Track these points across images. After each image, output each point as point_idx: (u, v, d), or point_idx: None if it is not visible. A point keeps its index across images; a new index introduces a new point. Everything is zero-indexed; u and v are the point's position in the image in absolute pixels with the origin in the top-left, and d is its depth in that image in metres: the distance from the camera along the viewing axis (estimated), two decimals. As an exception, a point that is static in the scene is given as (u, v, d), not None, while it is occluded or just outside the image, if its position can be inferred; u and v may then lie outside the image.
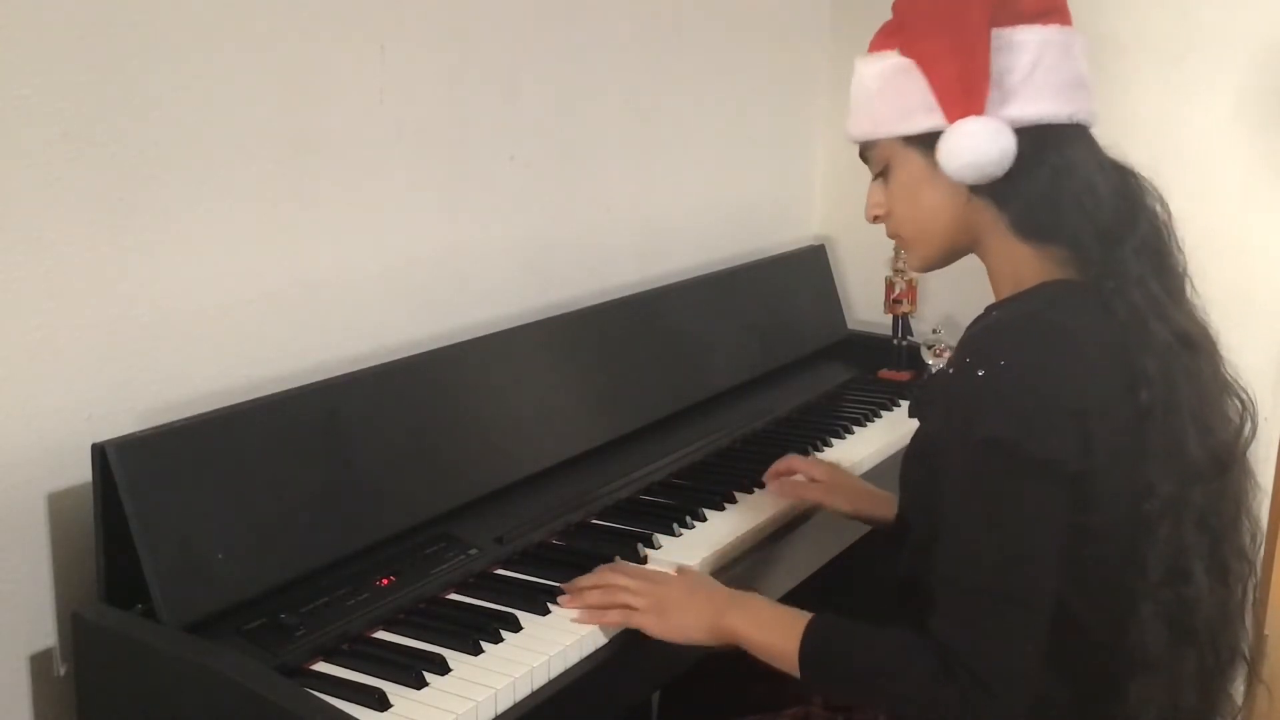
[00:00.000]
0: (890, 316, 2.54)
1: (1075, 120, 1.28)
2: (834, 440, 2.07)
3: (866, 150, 1.38)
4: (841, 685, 1.33)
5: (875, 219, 1.40)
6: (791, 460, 1.79)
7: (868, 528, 1.75)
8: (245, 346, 1.54)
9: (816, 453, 2.00)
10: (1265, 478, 2.18)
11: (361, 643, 1.34)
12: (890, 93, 1.31)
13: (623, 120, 2.15)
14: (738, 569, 1.61)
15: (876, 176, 1.38)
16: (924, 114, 1.28)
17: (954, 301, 2.53)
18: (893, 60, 1.31)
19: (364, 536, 1.47)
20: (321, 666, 1.30)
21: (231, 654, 1.24)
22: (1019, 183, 1.27)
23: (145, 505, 1.28)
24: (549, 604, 1.42)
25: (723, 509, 1.74)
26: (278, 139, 1.54)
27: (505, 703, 1.26)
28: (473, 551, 1.53)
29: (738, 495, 1.77)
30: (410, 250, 1.76)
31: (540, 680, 1.30)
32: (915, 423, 1.41)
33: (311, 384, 1.51)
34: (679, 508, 1.72)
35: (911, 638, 1.21)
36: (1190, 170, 2.17)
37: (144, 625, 1.28)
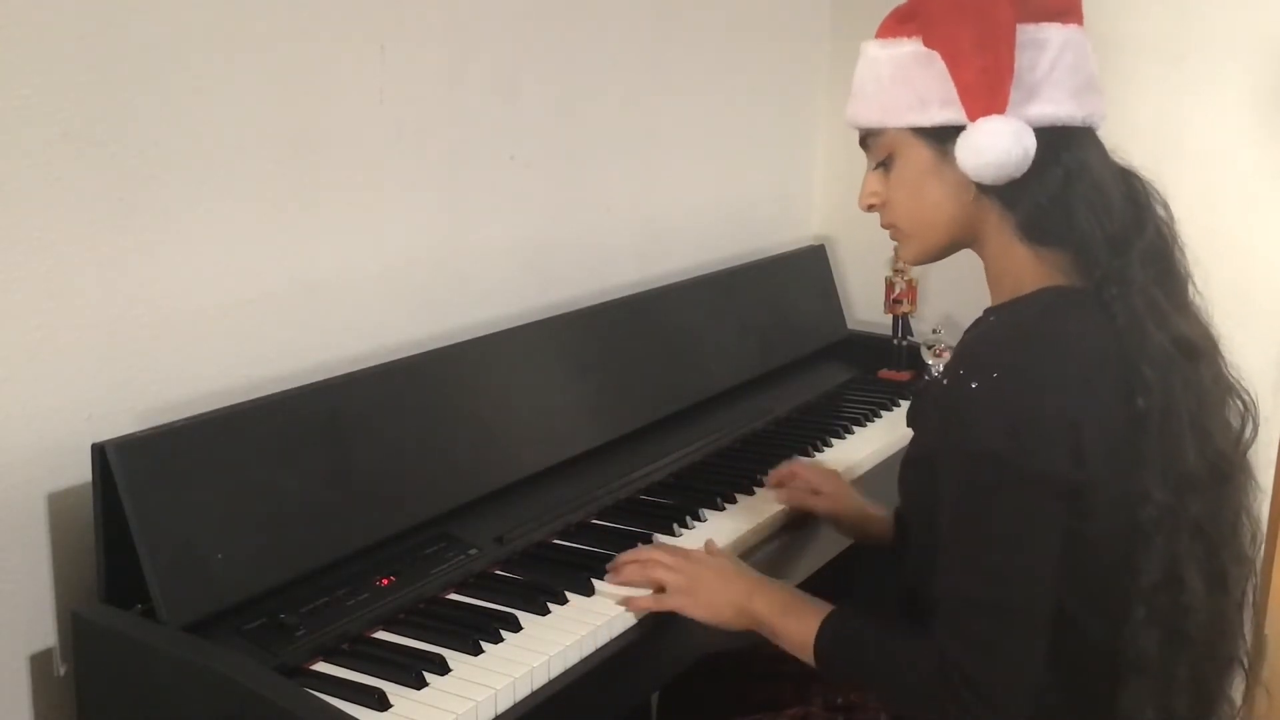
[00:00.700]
0: (890, 316, 2.54)
1: (1088, 123, 1.27)
2: (834, 440, 2.07)
3: (869, 138, 1.35)
4: (853, 680, 1.38)
5: (870, 208, 1.37)
6: (796, 466, 1.79)
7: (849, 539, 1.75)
8: (245, 346, 1.54)
9: (817, 453, 2.00)
10: (1265, 479, 2.18)
11: (361, 643, 1.34)
12: (905, 82, 1.28)
13: (623, 120, 2.15)
14: (738, 569, 1.61)
15: (877, 166, 1.35)
16: (939, 107, 1.26)
17: (954, 301, 2.53)
18: (911, 48, 1.28)
19: (364, 536, 1.47)
20: (321, 666, 1.30)
21: (231, 654, 1.24)
22: (1030, 184, 1.25)
23: (145, 505, 1.28)
24: (549, 604, 1.42)
25: (723, 509, 1.74)
26: (278, 139, 1.54)
27: (505, 703, 1.26)
28: (473, 551, 1.53)
29: (738, 495, 1.77)
30: (410, 250, 1.76)
31: (540, 680, 1.30)
32: (915, 424, 1.41)
33: (311, 384, 1.51)
34: (679, 508, 1.72)
35: (918, 644, 1.22)
36: (1191, 170, 2.17)
37: (144, 625, 1.28)
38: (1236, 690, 1.33)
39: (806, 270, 2.57)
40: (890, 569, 1.49)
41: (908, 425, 1.43)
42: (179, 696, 1.23)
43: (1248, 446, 1.29)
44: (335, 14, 1.59)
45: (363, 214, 1.68)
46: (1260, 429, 1.30)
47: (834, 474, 1.78)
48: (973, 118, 1.23)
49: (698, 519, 1.70)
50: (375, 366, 1.60)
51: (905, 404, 2.26)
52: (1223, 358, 1.29)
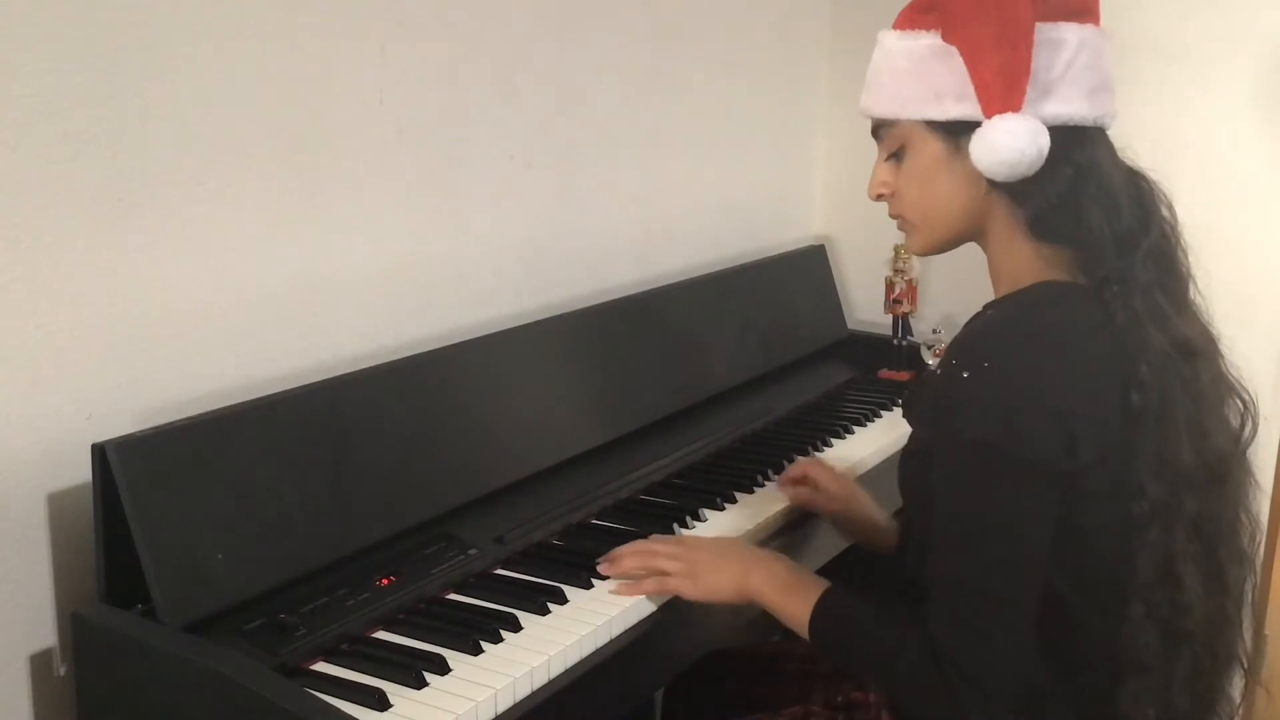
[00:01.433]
0: (890, 316, 2.54)
1: (1100, 123, 1.27)
2: (834, 440, 2.07)
3: (881, 128, 1.36)
4: (844, 662, 1.38)
5: (879, 197, 1.38)
6: (808, 466, 1.77)
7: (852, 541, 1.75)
8: (245, 346, 1.54)
9: (816, 453, 2.00)
10: (1265, 478, 2.18)
11: (361, 643, 1.34)
12: (921, 74, 1.28)
13: (623, 120, 2.15)
14: (738, 569, 1.61)
15: (889, 157, 1.36)
16: (955, 101, 1.26)
17: (954, 301, 2.53)
18: (929, 41, 1.28)
19: (364, 536, 1.47)
20: (321, 666, 1.29)
21: (231, 654, 1.24)
22: (1042, 182, 1.25)
23: (145, 505, 1.28)
24: (549, 604, 1.42)
25: (723, 509, 1.74)
26: (278, 139, 1.54)
27: (505, 703, 1.26)
28: (473, 551, 1.53)
29: (738, 495, 1.77)
30: (410, 250, 1.76)
31: (540, 680, 1.30)
32: (914, 423, 1.41)
33: (311, 384, 1.51)
34: (679, 508, 1.72)
35: (910, 629, 1.22)
36: (1190, 169, 2.16)
37: (144, 625, 1.28)
38: (1236, 689, 1.33)
39: (806, 270, 2.57)
40: (890, 568, 1.49)
41: (904, 417, 1.44)
42: (179, 696, 1.23)
43: (1247, 445, 1.29)
44: (335, 14, 1.59)
45: (363, 214, 1.68)
46: (1260, 429, 1.30)
47: (845, 477, 1.78)
48: (989, 114, 1.23)
49: (698, 519, 1.70)
50: (375, 366, 1.60)
51: (905, 404, 2.26)
52: (1223, 357, 1.30)
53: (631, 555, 1.47)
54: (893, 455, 2.04)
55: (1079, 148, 1.26)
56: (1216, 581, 1.24)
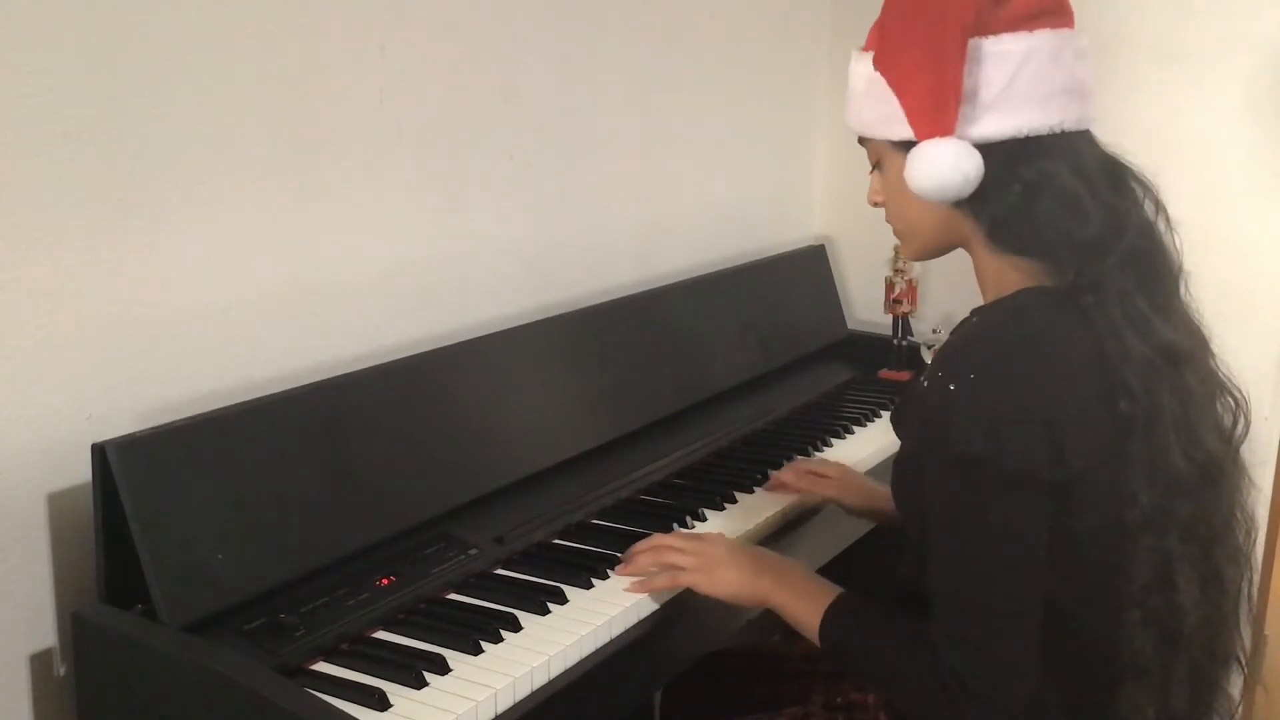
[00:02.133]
0: (890, 316, 2.54)
1: (1062, 129, 1.24)
2: (834, 440, 2.07)
3: (862, 142, 1.37)
4: (852, 669, 1.39)
5: (875, 204, 1.39)
6: (798, 466, 1.79)
7: (868, 528, 1.75)
8: (245, 346, 1.54)
9: (816, 453, 2.01)
10: (1265, 479, 2.18)
11: (361, 643, 1.34)
12: (875, 97, 1.29)
13: (622, 120, 2.15)
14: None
15: (872, 169, 1.37)
16: (901, 124, 1.26)
17: (954, 301, 2.52)
18: (871, 66, 1.30)
19: (364, 536, 1.47)
20: (321, 666, 1.30)
21: (231, 654, 1.24)
22: (990, 199, 1.25)
23: (145, 505, 1.28)
24: (549, 604, 1.43)
25: (723, 509, 1.74)
26: (278, 139, 1.54)
27: (505, 703, 1.26)
28: (473, 551, 1.53)
29: (738, 495, 1.77)
30: (410, 250, 1.76)
31: (540, 680, 1.30)
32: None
33: (311, 384, 1.51)
34: (679, 508, 1.72)
35: (916, 642, 1.22)
36: (1189, 169, 2.17)
37: (144, 625, 1.28)
38: (1235, 688, 1.33)
39: (806, 270, 2.57)
40: (891, 567, 1.49)
41: (894, 429, 1.44)
42: (179, 696, 1.23)
43: (1239, 443, 1.29)
44: (335, 14, 1.59)
45: (363, 214, 1.68)
46: (1260, 429, 1.29)
47: (837, 462, 1.78)
48: (920, 138, 1.24)
49: (698, 519, 1.70)
50: (375, 366, 1.60)
51: (904, 404, 2.27)
52: (1213, 356, 1.29)
53: (646, 552, 1.48)
54: (892, 455, 2.04)
55: (1028, 161, 1.24)
56: (1213, 583, 1.24)
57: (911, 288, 2.52)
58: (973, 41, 1.21)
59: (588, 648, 1.37)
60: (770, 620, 1.43)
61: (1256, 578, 1.32)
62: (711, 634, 1.56)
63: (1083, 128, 1.27)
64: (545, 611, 1.41)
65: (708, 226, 2.41)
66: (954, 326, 1.33)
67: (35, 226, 1.30)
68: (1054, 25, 1.25)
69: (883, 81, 1.27)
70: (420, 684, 1.25)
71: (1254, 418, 1.32)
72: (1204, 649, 1.24)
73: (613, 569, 1.50)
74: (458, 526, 1.57)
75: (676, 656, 1.52)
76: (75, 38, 1.31)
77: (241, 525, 1.36)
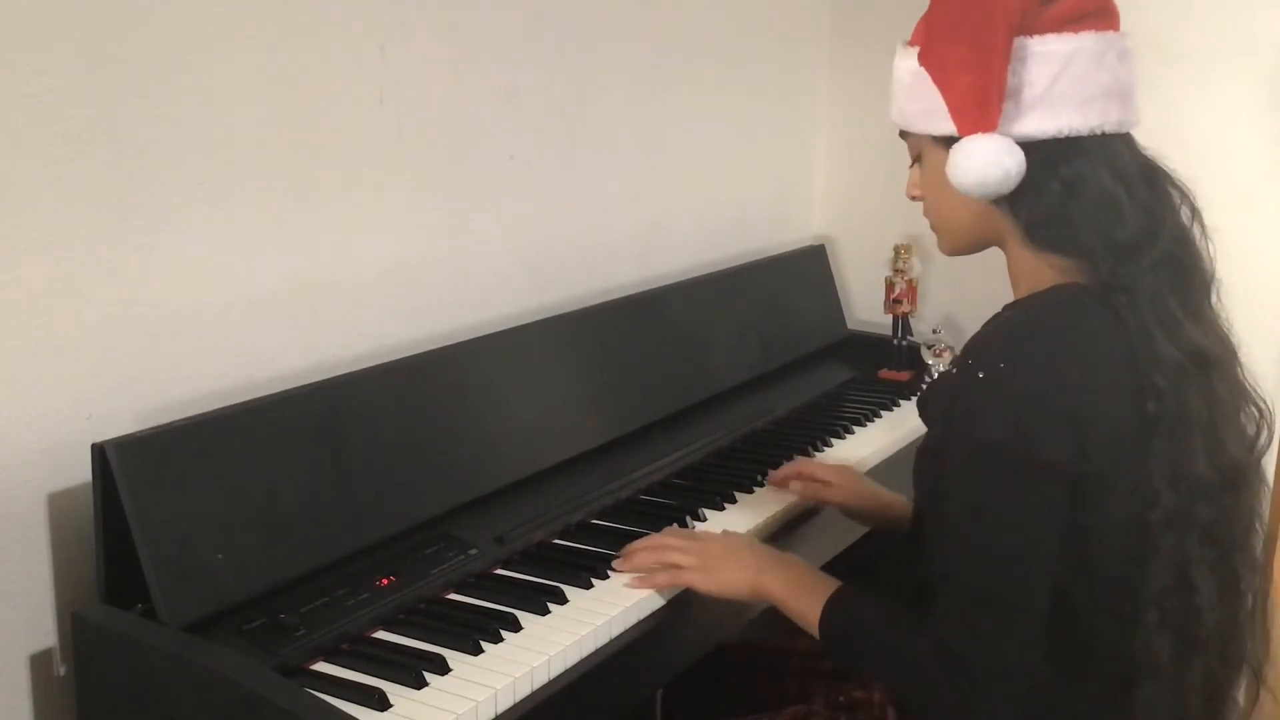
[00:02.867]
0: (890, 316, 2.54)
1: (1102, 131, 1.25)
2: (834, 440, 2.07)
3: (903, 136, 1.38)
4: (853, 662, 1.38)
5: (914, 198, 1.40)
6: (802, 465, 1.79)
7: (867, 528, 1.75)
8: (245, 346, 1.54)
9: (817, 453, 2.01)
10: (1270, 479, 2.17)
11: (361, 643, 1.34)
12: (919, 91, 1.30)
13: (623, 120, 2.15)
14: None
15: (913, 162, 1.38)
16: (944, 119, 1.27)
17: (954, 301, 2.53)
18: (915, 61, 1.30)
19: (364, 536, 1.47)
20: (321, 666, 1.29)
21: (231, 654, 1.24)
22: (1029, 196, 1.26)
23: (145, 505, 1.28)
24: (549, 604, 1.43)
25: (723, 509, 1.74)
26: (278, 139, 1.54)
27: (505, 703, 1.26)
28: (473, 551, 1.53)
29: (738, 495, 1.77)
30: (410, 250, 1.76)
31: (540, 680, 1.30)
32: (916, 422, 1.41)
33: (311, 384, 1.51)
34: (679, 508, 1.72)
35: (920, 631, 1.22)
36: (1190, 170, 2.15)
37: (144, 625, 1.28)
38: (1242, 692, 1.33)
39: (806, 270, 2.57)
40: (892, 566, 1.49)
41: (919, 415, 1.44)
42: (179, 696, 1.23)
43: (1262, 453, 1.29)
44: (335, 14, 1.59)
45: (363, 214, 1.68)
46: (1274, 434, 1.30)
47: (843, 466, 1.78)
48: (963, 134, 1.24)
49: (698, 519, 1.70)
50: (375, 366, 1.60)
51: (905, 404, 2.27)
52: (1240, 365, 1.29)
53: (645, 550, 1.49)
54: (892, 455, 2.04)
55: (1067, 161, 1.25)
56: (1230, 588, 1.25)
57: (911, 288, 2.52)
58: (1018, 40, 1.22)
59: (588, 648, 1.37)
60: (772, 618, 1.43)
61: (1263, 582, 1.32)
62: (712, 633, 1.56)
63: (1123, 130, 1.28)
64: (545, 611, 1.41)
65: (708, 226, 2.41)
66: (985, 321, 1.32)
67: (35, 226, 1.30)
68: (1099, 27, 1.25)
69: (927, 77, 1.28)
70: (420, 684, 1.25)
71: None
72: (1218, 654, 1.25)
73: (613, 565, 1.50)
74: (458, 526, 1.57)
75: (676, 656, 1.52)
76: (75, 38, 1.31)
77: (242, 525, 1.36)
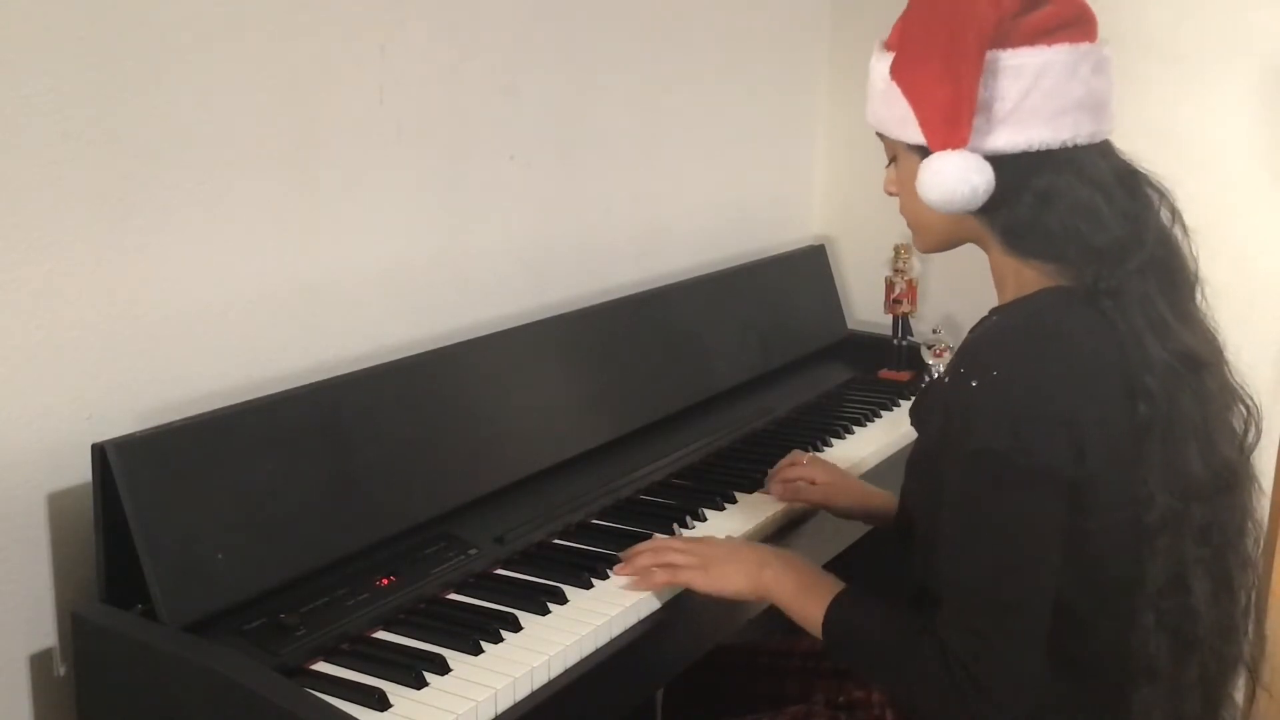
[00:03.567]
0: (890, 316, 2.54)
1: (1074, 143, 1.24)
2: (834, 440, 2.07)
3: (880, 137, 1.38)
4: (855, 665, 1.38)
5: (890, 194, 1.40)
6: (788, 469, 1.78)
7: (868, 528, 1.75)
8: (245, 346, 1.54)
9: (816, 453, 2.00)
10: (1265, 480, 2.17)
11: (361, 643, 1.34)
12: (890, 99, 1.29)
13: (623, 120, 2.15)
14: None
15: (889, 163, 1.38)
16: (916, 129, 1.26)
17: (954, 301, 2.53)
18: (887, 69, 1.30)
19: (364, 536, 1.47)
20: (321, 666, 1.30)
21: (231, 654, 1.24)
22: (1003, 208, 1.26)
23: (145, 505, 1.28)
24: (549, 604, 1.43)
25: (723, 509, 1.74)
26: (278, 139, 1.54)
27: (505, 703, 1.26)
28: (473, 551, 1.53)
29: (738, 495, 1.77)
30: (410, 250, 1.76)
31: (540, 680, 1.30)
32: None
33: (311, 384, 1.51)
34: (679, 508, 1.72)
35: (923, 634, 1.23)
36: (1190, 170, 2.14)
37: (144, 625, 1.28)
38: (1239, 691, 1.33)
39: (806, 270, 2.57)
40: (892, 566, 1.49)
41: (911, 424, 1.44)
42: (179, 696, 1.23)
43: (1251, 450, 1.29)
44: (335, 14, 1.59)
45: (363, 214, 1.68)
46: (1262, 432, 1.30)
47: (828, 464, 1.78)
48: (933, 149, 1.24)
49: (698, 519, 1.70)
50: (375, 366, 1.60)
51: (905, 404, 2.26)
52: (1228, 364, 1.29)
53: (645, 553, 1.48)
54: (892, 455, 2.04)
55: (1039, 173, 1.24)
56: (1225, 588, 1.25)
57: (911, 288, 2.52)
58: (990, 53, 1.21)
59: (588, 648, 1.37)
60: (772, 618, 1.42)
61: (1258, 582, 1.32)
62: (712, 633, 1.56)
63: (1096, 140, 1.27)
64: (545, 611, 1.41)
65: (708, 226, 2.41)
66: (972, 326, 1.32)
67: (35, 226, 1.30)
68: (1074, 39, 1.24)
69: (896, 86, 1.28)
70: (420, 684, 1.25)
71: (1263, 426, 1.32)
72: (1214, 654, 1.25)
73: (612, 569, 1.50)
74: (458, 526, 1.57)
75: (676, 656, 1.52)
76: (75, 38, 1.31)
77: (241, 525, 1.36)
